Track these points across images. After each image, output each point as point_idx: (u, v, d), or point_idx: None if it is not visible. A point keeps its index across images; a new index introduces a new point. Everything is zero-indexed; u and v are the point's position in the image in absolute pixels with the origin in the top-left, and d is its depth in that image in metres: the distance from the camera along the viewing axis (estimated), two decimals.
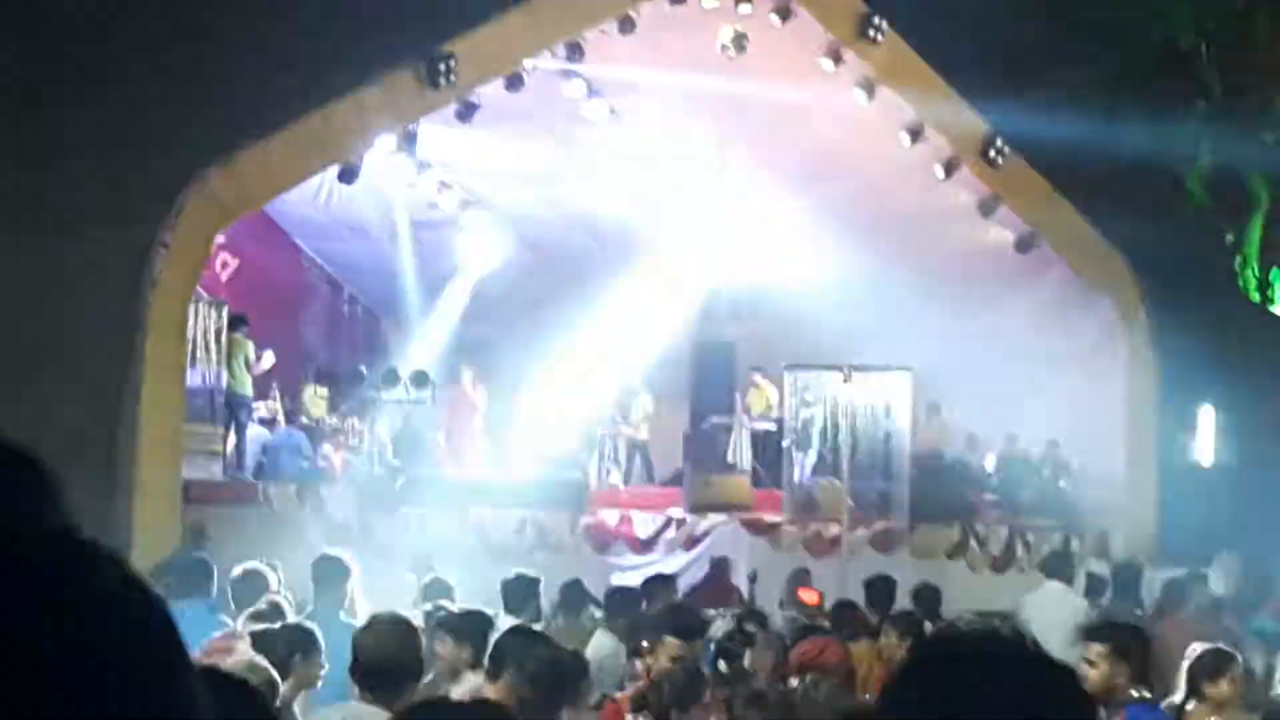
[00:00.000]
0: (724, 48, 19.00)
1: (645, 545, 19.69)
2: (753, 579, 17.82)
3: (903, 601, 12.96)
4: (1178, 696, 7.36)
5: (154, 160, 14.93)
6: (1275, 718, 8.11)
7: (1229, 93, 21.94)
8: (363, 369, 20.52)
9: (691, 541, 19.53)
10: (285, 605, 9.40)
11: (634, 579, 14.98)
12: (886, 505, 21.07)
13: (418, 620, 7.97)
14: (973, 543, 20.76)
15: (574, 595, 12.38)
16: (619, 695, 6.86)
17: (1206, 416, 22.35)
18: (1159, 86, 22.15)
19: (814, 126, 20.05)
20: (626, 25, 18.33)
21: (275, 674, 6.70)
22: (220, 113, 15.10)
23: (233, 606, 9.70)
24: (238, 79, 14.92)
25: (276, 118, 15.91)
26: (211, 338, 17.92)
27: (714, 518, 19.88)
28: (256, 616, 8.81)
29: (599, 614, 12.13)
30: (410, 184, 21.97)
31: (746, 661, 8.90)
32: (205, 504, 16.06)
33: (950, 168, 20.08)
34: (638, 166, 21.59)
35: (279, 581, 10.51)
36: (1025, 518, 21.32)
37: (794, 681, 7.51)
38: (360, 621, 7.34)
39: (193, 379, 17.03)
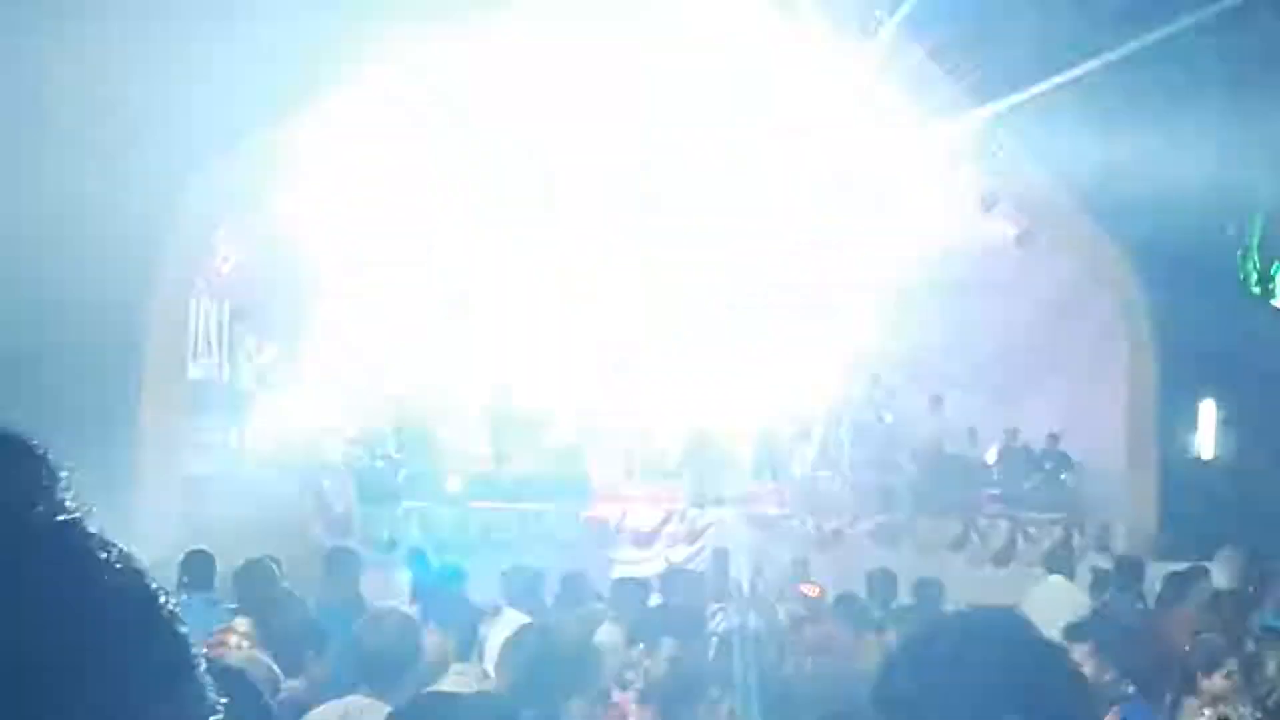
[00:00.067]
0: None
1: (647, 538, 19.70)
2: (758, 572, 17.84)
3: (904, 595, 12.96)
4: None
5: (156, 152, 14.92)
6: (1276, 712, 8.10)
7: (1231, 84, 21.89)
8: None
9: (693, 535, 19.53)
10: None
11: (636, 572, 15.00)
12: (888, 499, 21.08)
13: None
14: (974, 536, 20.76)
15: (575, 588, 12.39)
16: (618, 698, 6.86)
17: (1207, 410, 22.32)
18: (1160, 78, 22.11)
19: (812, 118, 20.03)
20: None
21: (276, 667, 6.71)
22: (223, 105, 15.09)
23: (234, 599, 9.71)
24: (241, 70, 14.91)
25: (279, 110, 15.91)
26: (213, 331, 17.92)
27: (715, 511, 19.88)
28: (266, 609, 8.82)
29: (600, 606, 12.14)
30: None
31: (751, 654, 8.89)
32: (207, 498, 16.05)
33: (953, 163, 20.08)
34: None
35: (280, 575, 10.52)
36: (1026, 511, 21.32)
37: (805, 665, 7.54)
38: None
39: (194, 372, 17.02)
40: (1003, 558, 20.55)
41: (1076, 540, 19.81)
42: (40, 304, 14.71)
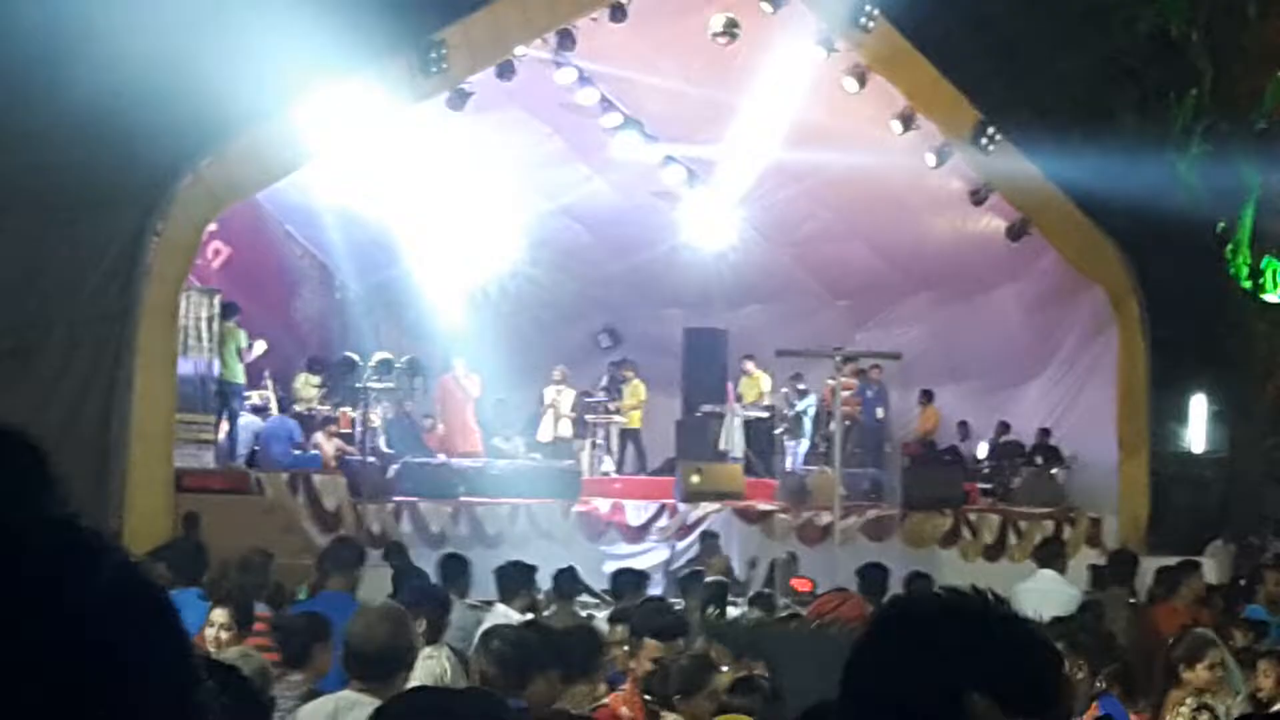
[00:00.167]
0: (715, 35, 18.99)
1: (638, 533, 19.72)
2: (752, 565, 17.88)
3: (895, 589, 12.96)
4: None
5: (145, 149, 14.90)
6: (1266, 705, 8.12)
7: (1220, 79, 21.93)
8: (355, 357, 20.49)
9: (684, 530, 19.54)
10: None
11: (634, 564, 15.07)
12: (879, 493, 21.11)
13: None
14: (965, 531, 20.78)
15: (567, 582, 12.41)
16: (609, 698, 6.86)
17: (1198, 404, 22.38)
18: (1150, 74, 22.15)
19: (803, 110, 20.01)
20: (618, 13, 18.31)
21: (267, 662, 6.72)
22: (212, 101, 15.06)
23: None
24: (229, 67, 14.88)
25: (268, 106, 15.89)
26: (204, 326, 17.90)
27: (706, 506, 19.88)
28: (274, 603, 8.86)
29: (592, 600, 12.18)
30: None
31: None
32: (197, 492, 16.04)
33: (942, 155, 20.06)
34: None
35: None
36: (1017, 506, 21.36)
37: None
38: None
39: (185, 367, 17.00)
40: (994, 552, 20.58)
41: (1068, 534, 19.85)
42: (30, 299, 14.69)
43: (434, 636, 7.97)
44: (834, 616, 7.84)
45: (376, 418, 20.07)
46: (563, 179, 22.67)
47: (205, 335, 17.90)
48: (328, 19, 15.13)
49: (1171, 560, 13.83)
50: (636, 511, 19.88)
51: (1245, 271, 21.89)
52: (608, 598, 13.03)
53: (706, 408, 22.88)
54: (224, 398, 18.48)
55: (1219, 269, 21.76)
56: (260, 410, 20.25)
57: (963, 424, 23.10)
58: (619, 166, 22.37)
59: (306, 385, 21.29)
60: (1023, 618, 2.15)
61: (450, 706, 2.87)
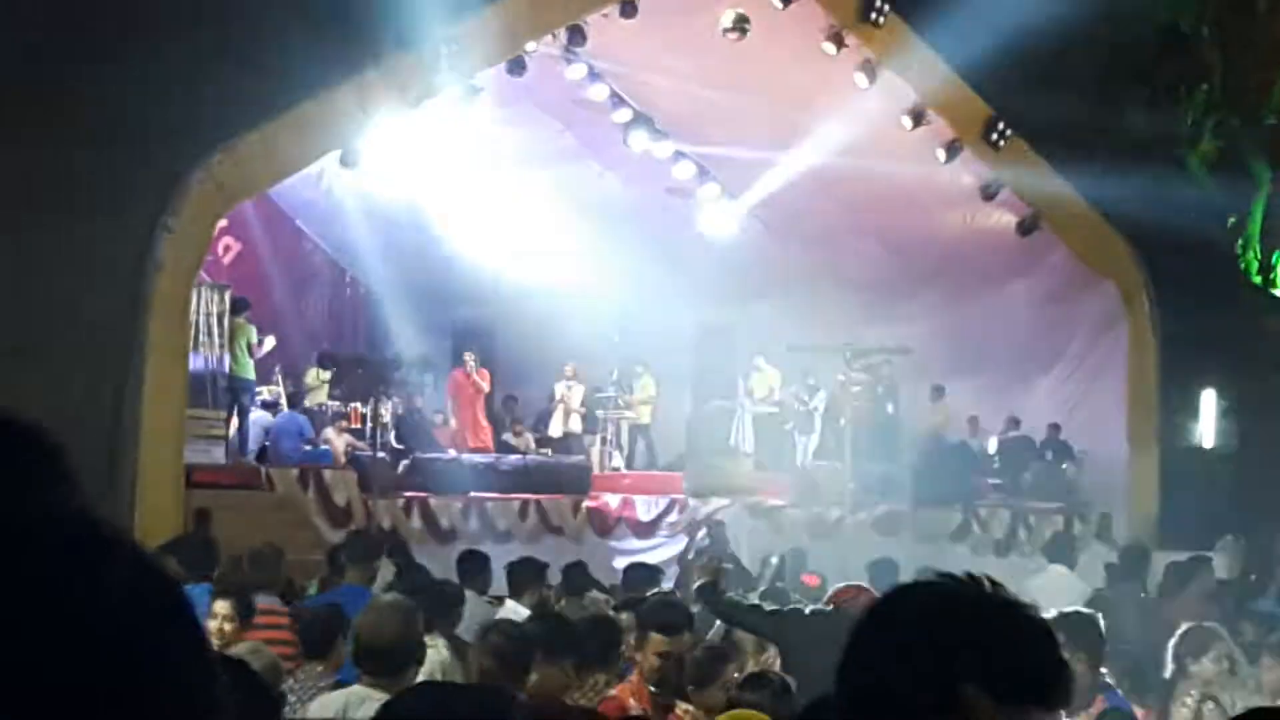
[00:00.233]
0: (725, 31, 18.98)
1: (647, 528, 19.73)
2: (765, 562, 17.84)
3: None
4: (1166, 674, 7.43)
5: (157, 144, 14.92)
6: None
7: (1231, 74, 21.89)
8: (365, 353, 20.53)
9: (694, 525, 19.55)
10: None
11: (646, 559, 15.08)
12: (889, 488, 21.10)
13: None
14: (975, 526, 20.79)
15: (577, 578, 12.41)
16: (617, 689, 6.87)
17: (1208, 399, 22.32)
18: (1161, 70, 22.12)
19: (817, 108, 20.00)
20: (628, 9, 18.30)
21: (277, 657, 6.74)
22: (223, 97, 15.08)
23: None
24: (240, 63, 14.90)
25: (279, 101, 15.90)
26: (214, 321, 17.90)
27: (716, 501, 19.89)
28: (285, 598, 8.89)
29: (603, 596, 12.18)
30: None
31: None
32: (208, 488, 16.06)
33: (952, 151, 20.03)
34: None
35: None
36: (1027, 501, 21.34)
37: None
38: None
39: (195, 363, 17.00)
40: (1004, 547, 20.58)
41: (1078, 529, 19.83)
42: (41, 294, 14.72)
43: (430, 629, 7.99)
44: (852, 606, 7.88)
45: (387, 413, 20.09)
46: (575, 175, 22.67)
47: (215, 331, 17.90)
48: (340, 14, 15.16)
49: (1182, 556, 13.82)
50: (646, 507, 19.90)
51: (1256, 267, 21.87)
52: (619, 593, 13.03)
53: (717, 403, 22.88)
54: (234, 393, 18.49)
55: (1229, 264, 21.73)
56: (270, 406, 20.27)
57: (973, 419, 23.08)
58: (630, 162, 22.38)
59: (317, 381, 21.32)
60: (1019, 604, 2.15)
61: (457, 701, 2.88)
